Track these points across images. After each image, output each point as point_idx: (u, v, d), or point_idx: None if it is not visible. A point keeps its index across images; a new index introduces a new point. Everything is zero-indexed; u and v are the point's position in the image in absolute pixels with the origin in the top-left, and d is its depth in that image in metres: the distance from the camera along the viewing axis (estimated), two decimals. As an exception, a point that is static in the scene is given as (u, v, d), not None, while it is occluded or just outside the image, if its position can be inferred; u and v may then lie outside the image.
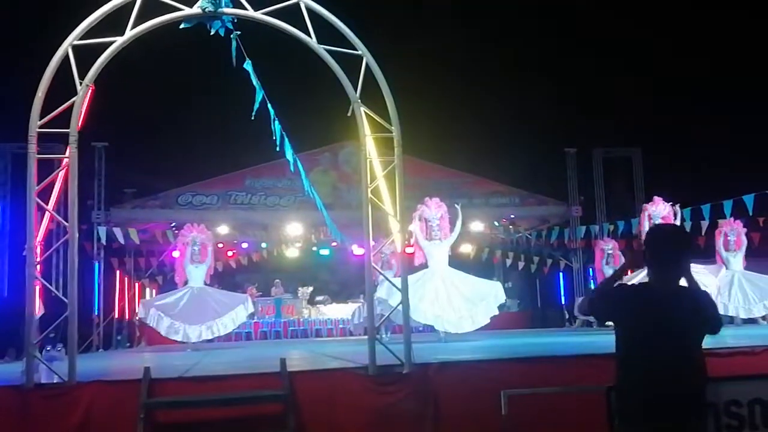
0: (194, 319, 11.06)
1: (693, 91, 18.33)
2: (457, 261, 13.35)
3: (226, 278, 14.47)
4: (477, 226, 18.39)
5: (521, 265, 19.16)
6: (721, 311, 12.31)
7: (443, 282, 10.35)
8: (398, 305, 6.11)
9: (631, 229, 16.20)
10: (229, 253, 19.11)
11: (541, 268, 19.22)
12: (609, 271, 14.52)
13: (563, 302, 19.88)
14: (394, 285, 6.32)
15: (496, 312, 10.50)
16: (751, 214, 13.54)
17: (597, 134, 18.62)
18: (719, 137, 17.58)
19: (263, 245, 19.07)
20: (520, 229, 19.43)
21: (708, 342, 7.17)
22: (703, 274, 11.09)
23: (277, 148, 8.20)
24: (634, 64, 19.06)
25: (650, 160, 18.51)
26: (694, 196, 15.15)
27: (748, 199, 13.57)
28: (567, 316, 18.66)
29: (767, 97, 17.08)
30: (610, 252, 14.98)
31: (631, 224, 16.28)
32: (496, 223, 19.13)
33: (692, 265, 10.73)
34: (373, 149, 6.52)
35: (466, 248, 18.92)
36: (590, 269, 18.13)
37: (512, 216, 18.86)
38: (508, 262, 19.30)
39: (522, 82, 19.00)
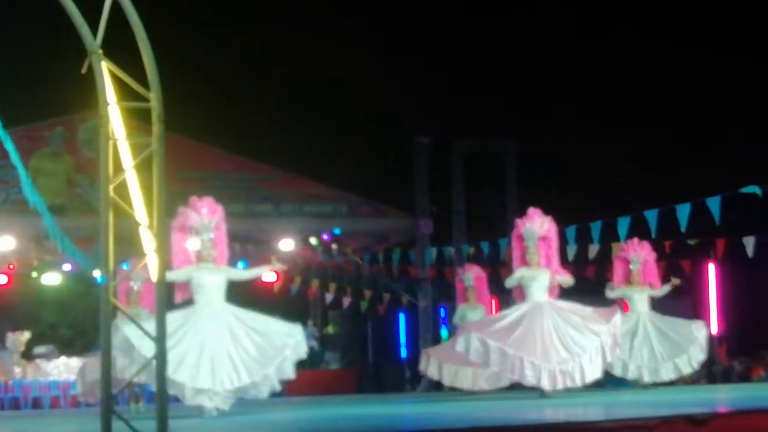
0: None
1: (590, 72, 19.57)
2: (251, 293, 13.23)
3: None
4: (286, 244, 18.50)
5: (347, 301, 19.33)
6: (618, 373, 12.93)
7: (214, 329, 9.83)
8: (151, 360, 5.94)
9: (499, 253, 16.61)
10: None
11: (374, 307, 19.47)
12: (470, 313, 14.66)
13: (405, 355, 20.20)
14: (145, 332, 6.11)
15: (290, 376, 10.08)
16: (654, 236, 14.18)
17: (461, 119, 19.55)
18: (619, 136, 18.94)
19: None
20: (348, 251, 19.59)
21: (594, 412, 7.53)
22: (591, 320, 11.32)
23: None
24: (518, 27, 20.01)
25: (529, 158, 19.46)
26: (583, 210, 15.95)
27: (651, 216, 14.08)
28: (409, 376, 18.91)
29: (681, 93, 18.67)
30: (470, 285, 15.05)
31: (499, 246, 16.65)
32: (314, 241, 19.24)
33: (576, 306, 10.87)
34: (119, 125, 6.38)
35: (269, 275, 18.22)
36: (443, 308, 18.79)
37: (337, 231, 19.12)
38: (329, 297, 19.41)
39: (353, 43, 19.34)
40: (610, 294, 13.58)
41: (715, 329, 17.71)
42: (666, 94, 18.64)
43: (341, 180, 18.92)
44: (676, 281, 13.85)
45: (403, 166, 19.18)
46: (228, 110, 18.31)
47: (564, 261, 13.05)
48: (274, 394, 10.40)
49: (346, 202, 18.88)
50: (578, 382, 10.96)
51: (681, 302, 16.52)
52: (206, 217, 10.22)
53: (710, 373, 16.56)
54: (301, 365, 10.68)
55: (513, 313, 11.60)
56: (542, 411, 8.28)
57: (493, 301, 16.59)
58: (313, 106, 19.74)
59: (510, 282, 11.97)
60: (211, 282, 10.15)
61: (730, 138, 18.18)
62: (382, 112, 19.52)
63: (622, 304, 13.36)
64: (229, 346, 9.75)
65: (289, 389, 13.06)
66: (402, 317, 20.38)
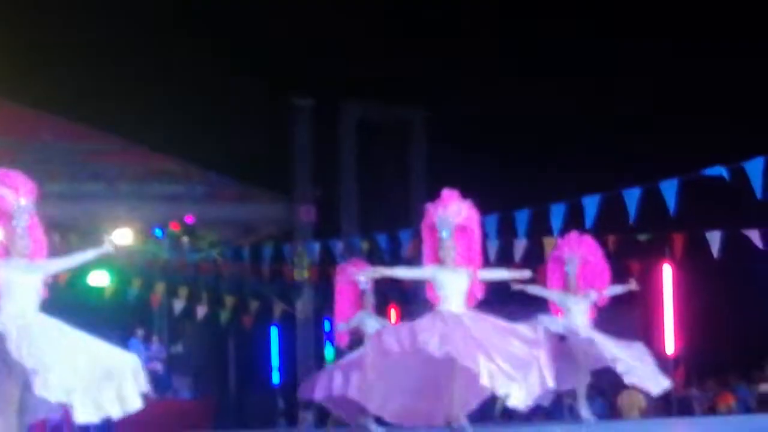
0: None
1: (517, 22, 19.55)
2: (73, 300, 13.22)
3: None
4: (122, 235, 17.51)
5: (202, 311, 18.85)
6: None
7: (24, 337, 9.24)
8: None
9: (400, 248, 16.24)
10: None
11: (238, 318, 19.23)
12: (371, 323, 13.52)
13: (278, 381, 20.27)
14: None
15: (134, 407, 9.44)
16: (589, 225, 13.86)
17: (352, 78, 19.06)
18: (550, 105, 18.76)
19: None
20: (204, 244, 19.34)
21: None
22: (521, 338, 10.39)
23: None
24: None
25: (440, 130, 19.27)
26: (506, 196, 15.64)
27: (590, 204, 13.87)
28: (283, 408, 19.07)
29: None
30: (365, 287, 13.76)
31: (399, 240, 16.23)
32: (160, 232, 19.05)
33: (499, 321, 9.40)
34: None
35: (98, 277, 18.57)
36: (328, 320, 18.08)
37: (190, 219, 18.91)
38: (178, 305, 18.83)
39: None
40: (537, 291, 12.95)
41: (670, 348, 18.04)
42: (619, 43, 18.92)
43: (196, 152, 18.65)
44: (633, 285, 13.43)
45: (278, 136, 19.00)
46: (46, 60, 18.03)
47: (484, 259, 12.21)
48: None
49: (203, 181, 18.77)
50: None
51: (628, 314, 16.62)
52: (23, 196, 9.76)
53: (667, 402, 16.64)
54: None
55: (433, 325, 10.62)
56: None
57: (393, 311, 16.99)
58: (160, 57, 19.04)
59: (416, 273, 11.20)
60: (25, 283, 9.68)
61: (690, 108, 18.30)
62: (251, 64, 19.20)
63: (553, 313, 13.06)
64: (56, 352, 9.27)
65: (122, 424, 12.12)
66: (274, 332, 20.40)
